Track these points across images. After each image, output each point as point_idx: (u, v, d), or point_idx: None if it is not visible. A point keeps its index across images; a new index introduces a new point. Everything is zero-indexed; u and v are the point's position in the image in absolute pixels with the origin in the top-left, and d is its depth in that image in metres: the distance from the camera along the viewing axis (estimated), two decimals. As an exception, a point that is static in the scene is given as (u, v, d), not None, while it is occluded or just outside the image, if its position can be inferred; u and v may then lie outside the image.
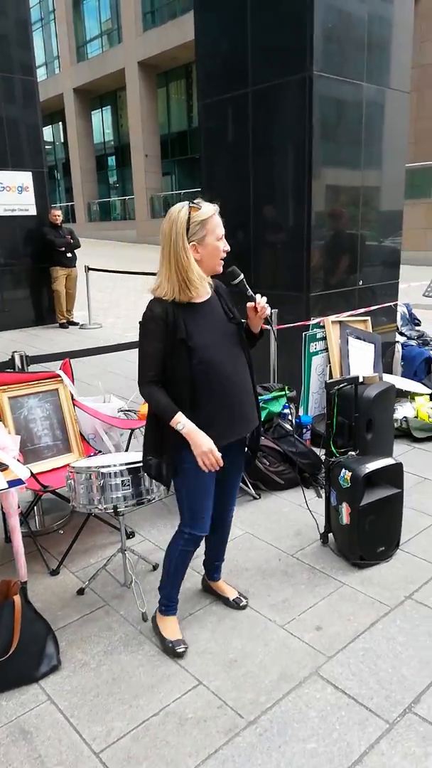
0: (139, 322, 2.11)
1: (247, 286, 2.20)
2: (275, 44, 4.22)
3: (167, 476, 2.20)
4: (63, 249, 8.93)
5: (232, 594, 2.64)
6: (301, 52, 4.04)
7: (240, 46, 4.44)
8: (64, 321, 9.26)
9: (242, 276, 2.19)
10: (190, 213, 2.02)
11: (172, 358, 2.07)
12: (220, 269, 2.15)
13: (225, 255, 2.13)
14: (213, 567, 2.65)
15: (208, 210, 2.05)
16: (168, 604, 2.42)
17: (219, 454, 2.09)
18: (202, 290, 2.11)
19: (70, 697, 2.17)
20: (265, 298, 2.20)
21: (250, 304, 2.21)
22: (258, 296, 2.19)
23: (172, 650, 2.34)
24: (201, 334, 2.09)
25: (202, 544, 2.61)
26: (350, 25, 4.24)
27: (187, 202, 2.05)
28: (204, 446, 2.07)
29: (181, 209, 2.04)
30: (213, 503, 2.31)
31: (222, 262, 2.14)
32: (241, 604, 2.59)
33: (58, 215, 8.97)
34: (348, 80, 4.31)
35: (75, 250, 9.16)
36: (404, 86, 4.81)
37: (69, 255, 9.05)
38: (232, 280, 2.19)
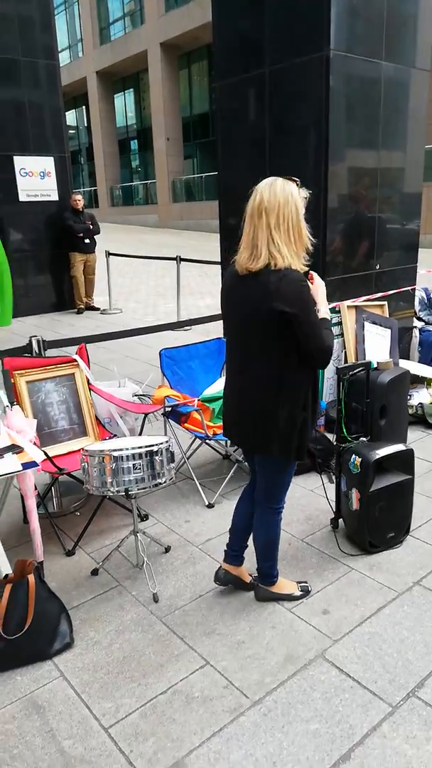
0: (299, 297, 2.06)
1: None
2: (292, 23, 4.15)
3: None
4: (81, 235, 8.97)
5: (249, 578, 2.65)
6: (318, 30, 3.97)
7: (257, 25, 4.38)
8: (82, 306, 9.33)
9: None
10: (297, 188, 2.10)
11: None
12: None
13: None
14: (242, 550, 2.61)
15: (302, 189, 2.13)
16: (276, 573, 2.55)
17: None
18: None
19: (82, 674, 2.24)
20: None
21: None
22: (313, 273, 2.23)
23: (306, 592, 2.59)
24: None
25: (225, 530, 2.65)
26: (368, 2, 4.14)
27: (282, 179, 2.09)
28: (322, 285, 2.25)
29: (286, 183, 2.08)
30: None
31: None
32: (257, 584, 2.59)
33: (79, 200, 9.01)
34: (366, 59, 4.22)
35: (95, 236, 9.19)
36: (425, 64, 4.69)
37: (87, 241, 9.08)
38: None
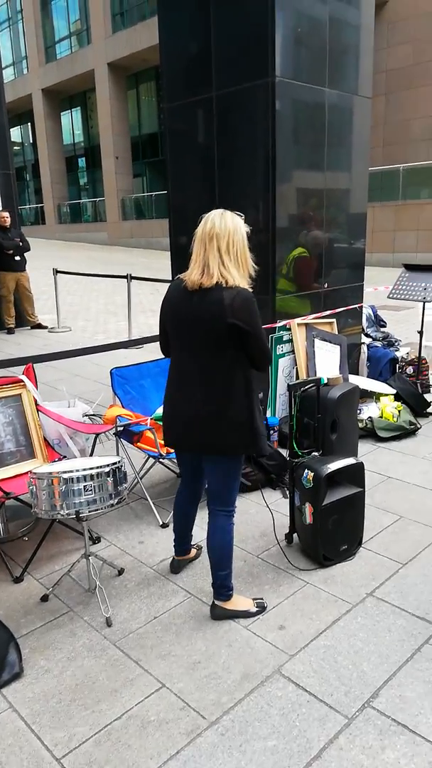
0: (251, 313, 2.28)
1: None
2: (238, 49, 4.26)
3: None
4: (11, 252, 8.79)
5: (194, 550, 2.98)
6: (263, 57, 4.09)
7: (204, 50, 4.47)
8: (12, 325, 9.08)
9: None
10: (243, 223, 2.35)
11: None
12: None
13: None
14: (189, 541, 2.91)
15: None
16: (231, 587, 2.58)
17: None
18: None
19: (32, 704, 2.16)
20: None
21: None
22: None
23: (262, 608, 2.60)
24: None
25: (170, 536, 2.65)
26: (312, 31, 4.31)
27: (229, 211, 2.34)
28: None
29: (234, 215, 2.33)
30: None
31: None
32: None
33: (6, 217, 8.80)
34: (310, 86, 4.37)
35: (25, 253, 9.00)
36: (366, 92, 4.90)
37: (17, 258, 8.86)
38: None
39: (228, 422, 2.34)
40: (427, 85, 18.64)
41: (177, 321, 2.39)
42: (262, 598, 2.64)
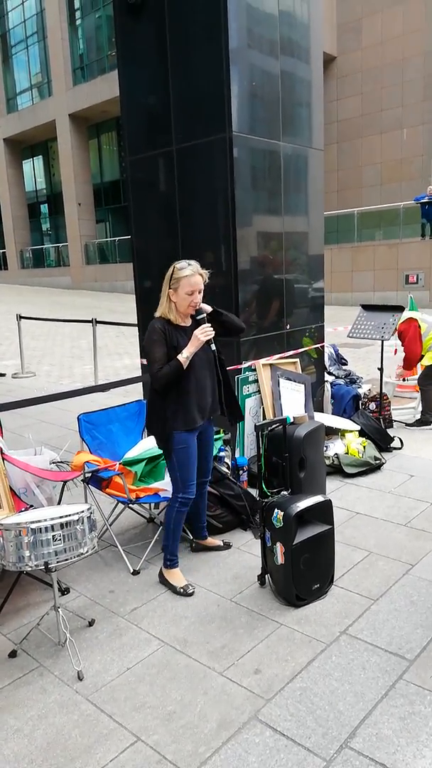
0: (147, 336, 2.96)
1: (203, 321, 2.97)
2: (196, 105, 4.46)
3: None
4: None
5: (217, 542, 3.49)
6: (220, 113, 4.29)
7: (163, 106, 4.67)
8: None
9: (203, 315, 2.98)
10: (173, 270, 2.89)
11: (169, 358, 2.92)
12: (191, 312, 2.97)
13: (194, 305, 2.93)
14: (200, 528, 3.46)
15: (184, 272, 2.87)
16: (172, 559, 3.13)
17: (208, 328, 2.90)
18: (180, 320, 2.98)
19: (3, 767, 2.08)
20: (204, 327, 2.93)
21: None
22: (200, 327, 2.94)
23: (184, 593, 3.04)
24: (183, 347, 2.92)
25: (152, 597, 2.61)
26: (266, 87, 4.56)
27: (184, 261, 2.90)
28: (198, 337, 2.87)
29: (175, 265, 2.89)
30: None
31: (192, 309, 2.96)
32: (230, 546, 3.50)
33: None
34: (265, 139, 4.59)
35: None
36: (318, 144, 5.16)
37: None
38: (197, 316, 2.99)
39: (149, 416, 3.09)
40: (374, 135, 19.75)
41: None
42: (192, 587, 3.08)
